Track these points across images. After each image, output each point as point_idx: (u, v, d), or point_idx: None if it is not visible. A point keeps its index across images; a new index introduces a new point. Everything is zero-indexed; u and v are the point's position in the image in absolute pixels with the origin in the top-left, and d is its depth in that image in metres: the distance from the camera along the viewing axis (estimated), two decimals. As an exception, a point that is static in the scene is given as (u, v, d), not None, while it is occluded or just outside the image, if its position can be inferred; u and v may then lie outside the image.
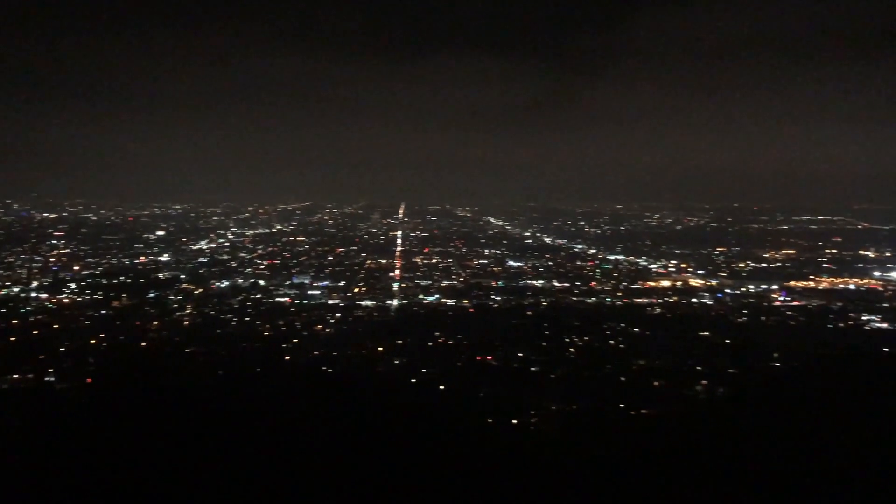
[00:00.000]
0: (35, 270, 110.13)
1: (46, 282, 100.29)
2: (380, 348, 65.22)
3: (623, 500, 31.18)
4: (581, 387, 52.94)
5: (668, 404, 48.90)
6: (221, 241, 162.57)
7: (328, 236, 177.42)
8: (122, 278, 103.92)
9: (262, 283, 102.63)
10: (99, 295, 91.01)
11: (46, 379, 54.71)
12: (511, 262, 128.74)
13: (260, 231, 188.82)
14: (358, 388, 47.82)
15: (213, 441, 33.88)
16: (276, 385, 48.22)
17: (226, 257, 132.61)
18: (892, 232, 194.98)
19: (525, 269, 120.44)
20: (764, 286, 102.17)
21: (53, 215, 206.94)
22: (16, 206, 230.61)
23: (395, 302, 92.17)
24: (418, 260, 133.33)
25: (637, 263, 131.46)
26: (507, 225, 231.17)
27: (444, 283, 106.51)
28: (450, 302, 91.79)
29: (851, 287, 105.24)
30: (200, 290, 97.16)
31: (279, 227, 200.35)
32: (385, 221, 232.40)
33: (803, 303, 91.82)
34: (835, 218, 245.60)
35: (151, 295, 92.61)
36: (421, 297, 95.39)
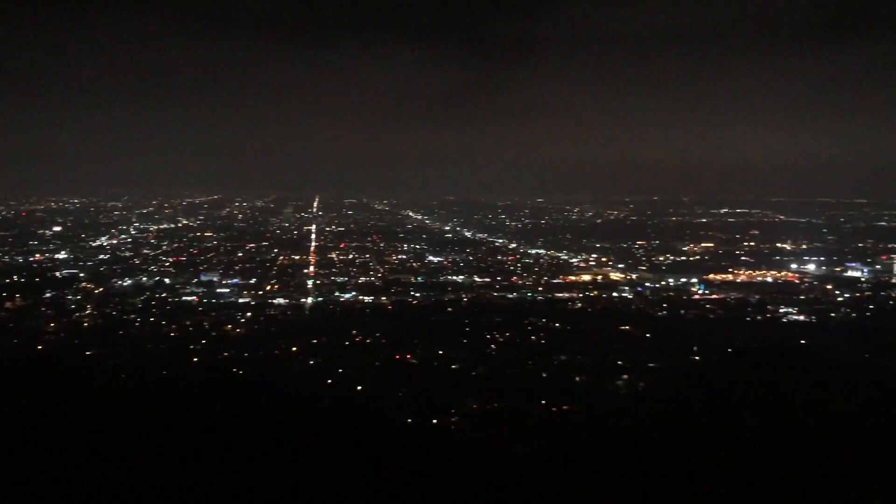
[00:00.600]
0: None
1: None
2: (294, 348, 64.48)
3: (544, 498, 31.65)
4: (502, 384, 53.46)
5: (590, 400, 49.81)
6: (123, 237, 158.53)
7: (238, 231, 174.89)
8: (16, 277, 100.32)
9: (167, 281, 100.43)
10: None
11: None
12: (431, 258, 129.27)
13: (165, 226, 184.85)
14: (271, 391, 47.15)
15: (116, 448, 32.96)
16: (184, 389, 47.22)
17: (128, 254, 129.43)
18: (808, 225, 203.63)
19: (445, 265, 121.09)
20: (683, 279, 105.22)
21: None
22: None
23: (310, 300, 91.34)
24: (334, 256, 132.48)
25: (558, 257, 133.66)
26: (427, 219, 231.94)
27: (362, 279, 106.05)
28: (367, 299, 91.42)
29: (769, 280, 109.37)
30: (101, 289, 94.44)
31: (185, 222, 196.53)
32: (298, 215, 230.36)
33: (722, 296, 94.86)
34: (752, 211, 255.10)
35: (48, 295, 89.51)
36: (337, 294, 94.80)
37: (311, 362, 60.71)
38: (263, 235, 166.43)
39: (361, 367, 57.98)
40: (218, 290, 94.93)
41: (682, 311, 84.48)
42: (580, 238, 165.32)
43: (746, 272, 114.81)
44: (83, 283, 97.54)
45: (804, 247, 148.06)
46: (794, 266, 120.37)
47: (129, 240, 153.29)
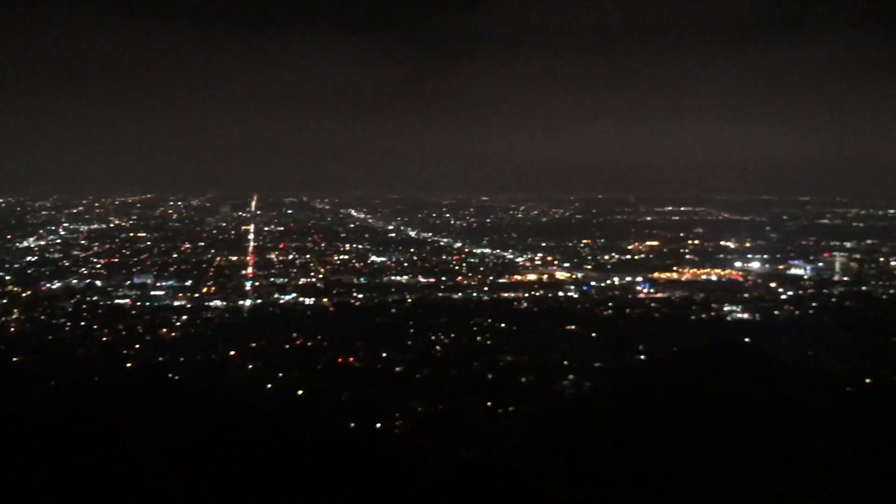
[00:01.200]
0: None
1: None
2: (232, 352, 63.86)
3: (491, 501, 31.82)
4: (448, 386, 53.66)
5: (536, 400, 50.26)
6: (52, 237, 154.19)
7: (172, 232, 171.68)
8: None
9: (99, 283, 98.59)
10: None
11: None
12: (374, 258, 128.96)
13: (96, 226, 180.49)
14: (208, 396, 46.58)
15: (45, 459, 32.18)
16: (117, 395, 46.27)
17: (57, 256, 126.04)
18: (751, 222, 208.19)
19: (389, 265, 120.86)
20: (629, 278, 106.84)
21: None
22: None
23: (248, 302, 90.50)
24: (273, 256, 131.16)
25: (504, 257, 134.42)
26: (370, 217, 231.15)
27: (302, 280, 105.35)
28: (308, 301, 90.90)
29: (713, 278, 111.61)
30: (29, 292, 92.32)
31: (117, 222, 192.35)
32: (236, 215, 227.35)
33: (667, 294, 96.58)
34: (696, 209, 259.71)
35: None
36: (276, 296, 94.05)
37: (250, 366, 60.09)
38: (199, 236, 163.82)
39: (302, 371, 57.64)
40: (152, 293, 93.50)
41: (628, 310, 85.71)
42: (526, 237, 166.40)
43: (691, 270, 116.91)
44: (9, 287, 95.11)
45: (748, 245, 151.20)
46: (738, 264, 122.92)
47: (59, 241, 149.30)
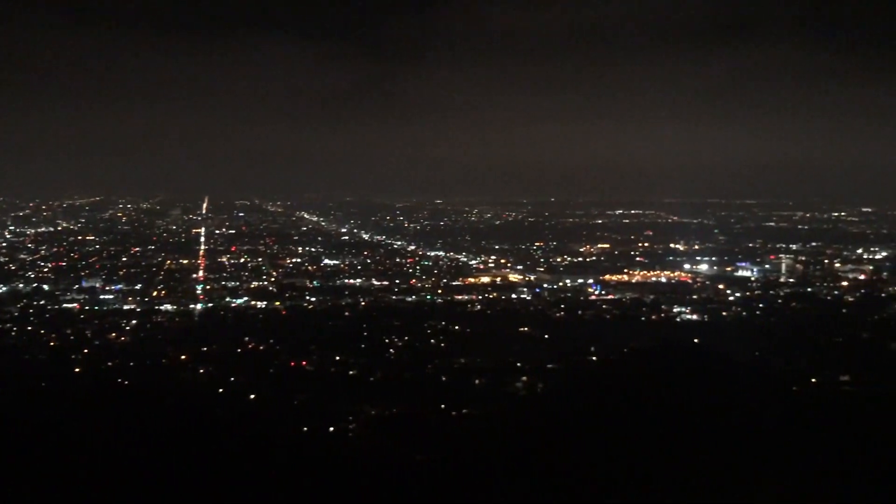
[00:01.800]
0: None
1: None
2: (183, 357, 62.97)
3: (444, 503, 31.92)
4: (401, 389, 53.65)
5: (489, 402, 50.46)
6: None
7: (122, 235, 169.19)
8: None
9: (46, 287, 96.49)
10: None
11: None
12: (327, 261, 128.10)
13: (43, 229, 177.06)
14: (159, 401, 46.00)
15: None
16: (65, 401, 45.51)
17: (3, 259, 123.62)
18: (700, 225, 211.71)
19: (342, 268, 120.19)
20: (580, 280, 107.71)
21: None
22: None
23: (199, 306, 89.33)
24: (224, 259, 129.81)
25: (457, 259, 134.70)
26: (323, 220, 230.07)
27: (254, 283, 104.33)
28: (260, 304, 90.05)
29: (663, 280, 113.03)
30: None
31: (65, 225, 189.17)
32: (187, 217, 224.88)
33: (618, 296, 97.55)
34: (646, 212, 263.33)
35: None
36: (228, 299, 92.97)
37: (202, 371, 59.46)
38: (149, 239, 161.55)
39: (255, 375, 57.11)
40: (101, 297, 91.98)
41: (580, 312, 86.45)
42: (479, 240, 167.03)
43: (641, 272, 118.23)
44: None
45: (696, 247, 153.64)
46: (687, 266, 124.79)
47: (4, 244, 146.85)
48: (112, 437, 35.84)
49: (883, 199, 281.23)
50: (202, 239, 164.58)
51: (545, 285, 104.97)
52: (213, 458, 33.73)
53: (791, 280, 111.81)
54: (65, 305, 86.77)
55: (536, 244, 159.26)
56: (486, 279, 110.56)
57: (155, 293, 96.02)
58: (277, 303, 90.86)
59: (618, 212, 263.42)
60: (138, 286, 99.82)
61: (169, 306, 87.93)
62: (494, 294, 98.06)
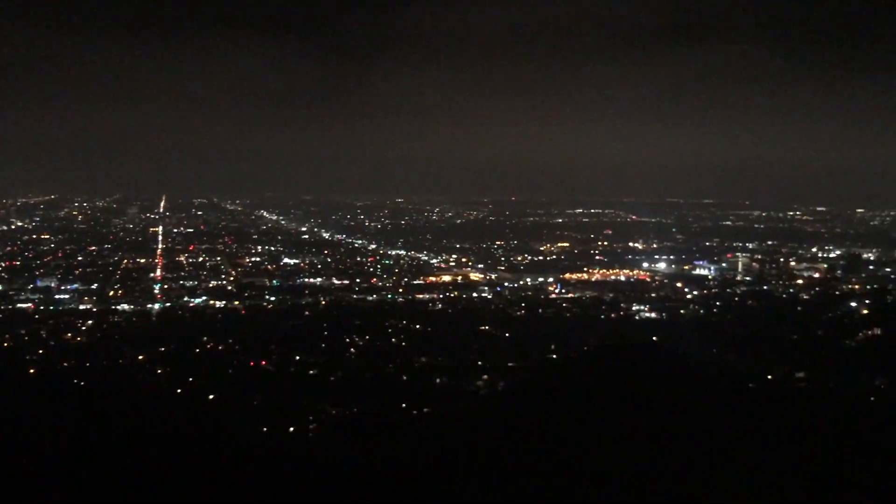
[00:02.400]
0: None
1: None
2: (140, 357, 62.30)
3: (405, 503, 31.86)
4: (362, 389, 53.50)
5: (451, 401, 50.55)
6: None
7: (78, 233, 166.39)
8: None
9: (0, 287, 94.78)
10: None
11: None
12: (287, 260, 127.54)
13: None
14: (116, 402, 45.28)
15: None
16: (19, 403, 44.56)
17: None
18: (658, 224, 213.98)
19: (302, 267, 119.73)
20: (541, 279, 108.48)
21: None
22: None
23: (157, 305, 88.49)
24: (182, 259, 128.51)
25: (418, 258, 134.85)
26: (282, 219, 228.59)
27: (213, 283, 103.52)
28: (219, 304, 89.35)
29: (622, 278, 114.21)
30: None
31: (19, 224, 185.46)
32: (144, 216, 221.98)
33: (578, 294, 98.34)
34: (606, 211, 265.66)
35: None
36: (186, 299, 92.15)
37: (160, 371, 58.89)
38: (106, 238, 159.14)
39: (213, 376, 56.66)
40: (56, 297, 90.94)
41: (540, 311, 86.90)
42: (440, 238, 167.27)
43: (601, 271, 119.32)
44: None
45: (655, 246, 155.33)
46: (645, 265, 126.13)
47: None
48: (68, 440, 35.22)
49: (837, 199, 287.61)
50: (160, 238, 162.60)
51: (506, 284, 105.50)
52: (171, 459, 33.30)
53: (747, 278, 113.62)
54: (19, 305, 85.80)
55: (497, 243, 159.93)
56: (447, 278, 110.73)
57: (112, 293, 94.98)
58: (237, 302, 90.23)
59: (577, 211, 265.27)
60: (95, 286, 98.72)
61: (126, 306, 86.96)
62: (455, 293, 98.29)
